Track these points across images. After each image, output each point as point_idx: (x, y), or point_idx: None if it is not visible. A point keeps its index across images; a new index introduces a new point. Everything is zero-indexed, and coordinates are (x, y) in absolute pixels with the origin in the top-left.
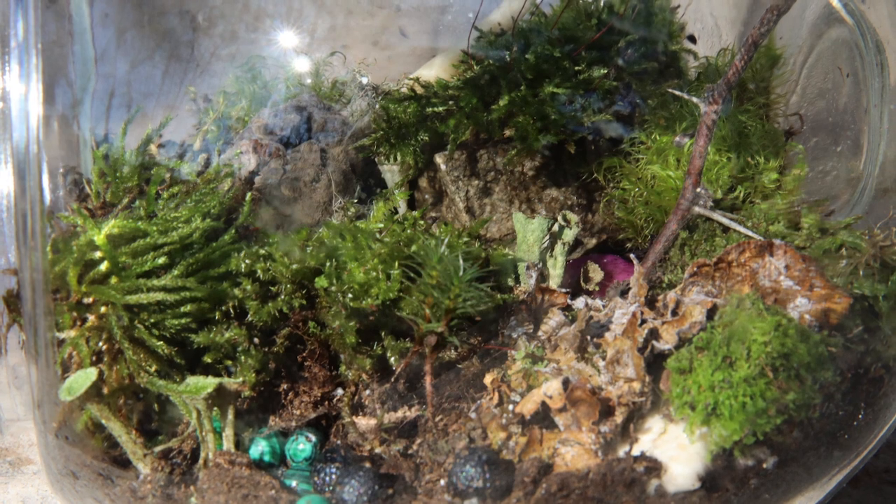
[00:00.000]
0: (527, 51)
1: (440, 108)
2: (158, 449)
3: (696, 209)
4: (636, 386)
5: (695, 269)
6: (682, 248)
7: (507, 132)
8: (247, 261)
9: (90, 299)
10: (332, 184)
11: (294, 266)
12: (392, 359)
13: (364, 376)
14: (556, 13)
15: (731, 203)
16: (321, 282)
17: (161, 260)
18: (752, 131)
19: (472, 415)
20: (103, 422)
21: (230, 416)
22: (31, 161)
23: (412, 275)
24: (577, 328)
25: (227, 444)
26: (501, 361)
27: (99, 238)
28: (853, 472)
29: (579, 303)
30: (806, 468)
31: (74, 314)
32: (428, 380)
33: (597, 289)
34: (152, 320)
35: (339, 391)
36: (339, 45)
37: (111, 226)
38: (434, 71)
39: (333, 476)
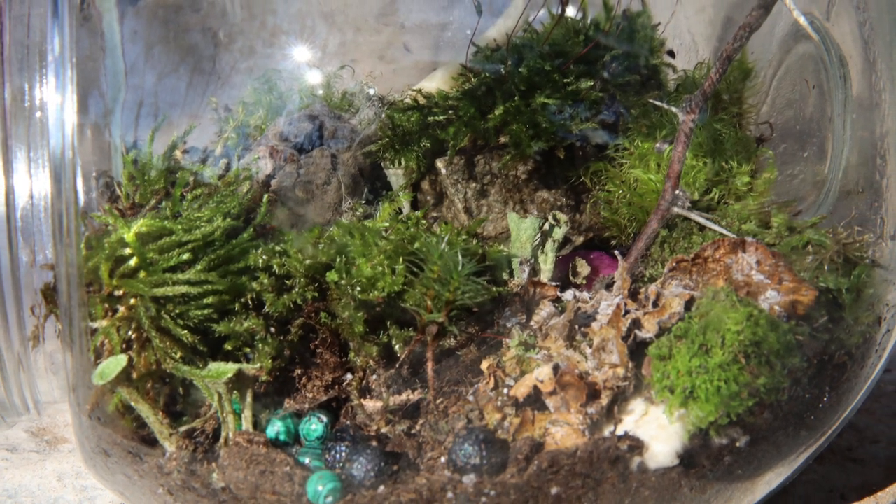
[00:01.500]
0: (520, 64)
1: (441, 117)
2: (183, 429)
3: (675, 209)
4: (620, 371)
5: (674, 264)
6: (662, 245)
7: (502, 139)
8: (264, 257)
9: (120, 292)
10: (342, 186)
11: (307, 261)
12: (397, 346)
13: (371, 362)
14: (547, 30)
15: (707, 204)
16: (332, 276)
17: (185, 256)
18: (726, 138)
19: (470, 398)
20: (132, 404)
21: (248, 398)
22: (67, 166)
23: (415, 269)
24: (566, 318)
25: (246, 424)
26: (497, 349)
27: (129, 236)
28: (819, 450)
29: (568, 295)
30: (776, 446)
31: (106, 306)
32: (429, 365)
33: (584, 282)
34: (177, 311)
35: (349, 376)
36: (348, 59)
37: (140, 225)
38: (435, 83)
39: (343, 454)
